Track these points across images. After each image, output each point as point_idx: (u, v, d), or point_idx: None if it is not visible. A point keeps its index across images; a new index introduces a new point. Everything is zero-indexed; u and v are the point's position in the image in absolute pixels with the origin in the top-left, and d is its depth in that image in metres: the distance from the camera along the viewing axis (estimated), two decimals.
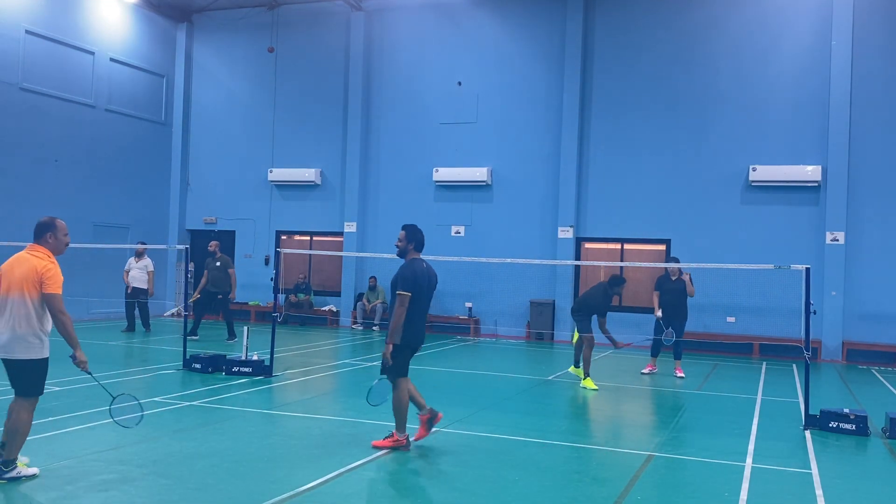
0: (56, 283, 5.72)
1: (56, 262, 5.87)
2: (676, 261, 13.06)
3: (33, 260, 5.77)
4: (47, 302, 5.69)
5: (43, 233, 5.89)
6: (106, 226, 19.86)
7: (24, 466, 5.81)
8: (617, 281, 11.59)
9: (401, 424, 7.07)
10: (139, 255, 16.74)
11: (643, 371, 12.90)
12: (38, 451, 6.53)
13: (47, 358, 5.83)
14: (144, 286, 16.57)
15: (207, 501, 5.46)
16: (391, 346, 6.80)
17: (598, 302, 11.61)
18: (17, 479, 5.69)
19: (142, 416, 6.41)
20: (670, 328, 12.37)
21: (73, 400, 8.81)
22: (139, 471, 6.09)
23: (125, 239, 20.32)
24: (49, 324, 5.78)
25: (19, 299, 5.68)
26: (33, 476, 5.77)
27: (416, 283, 6.94)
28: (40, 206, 17.93)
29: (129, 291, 16.58)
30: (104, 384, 5.85)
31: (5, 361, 5.74)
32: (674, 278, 12.60)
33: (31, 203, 17.78)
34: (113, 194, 20.18)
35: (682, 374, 12.58)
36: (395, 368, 6.97)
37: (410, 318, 6.92)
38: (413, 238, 7.13)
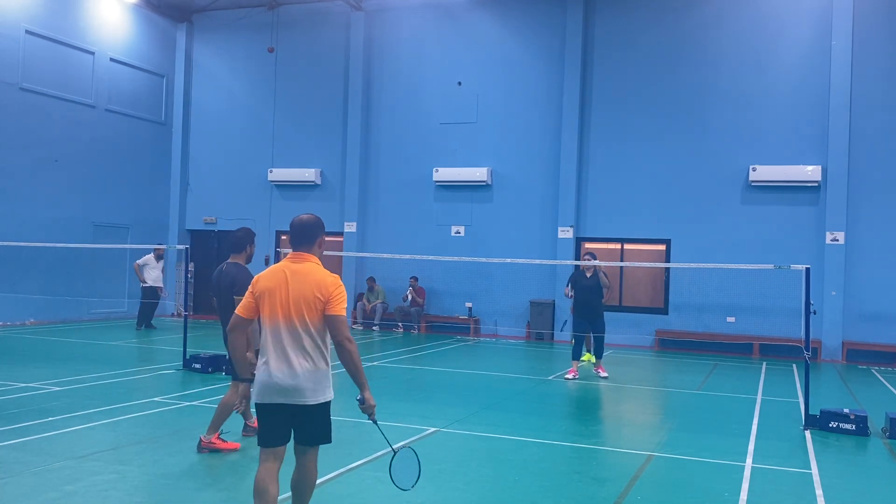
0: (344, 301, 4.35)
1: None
2: (593, 257, 12.51)
3: (319, 273, 4.33)
4: (334, 325, 4.26)
5: (317, 236, 4.44)
6: (106, 226, 19.85)
7: None
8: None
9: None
10: (160, 256, 17.90)
11: (566, 376, 11.99)
12: (38, 451, 6.54)
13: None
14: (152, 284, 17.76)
15: (207, 501, 5.46)
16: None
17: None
18: None
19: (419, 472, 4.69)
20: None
21: (73, 400, 8.82)
22: (139, 471, 6.09)
23: (125, 239, 20.32)
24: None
25: (300, 326, 4.27)
26: None
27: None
28: (40, 206, 18.01)
29: (161, 293, 17.73)
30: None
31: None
32: (588, 275, 12.10)
33: (31, 203, 17.79)
34: (113, 194, 20.17)
35: (606, 374, 12.12)
36: None
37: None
38: None
